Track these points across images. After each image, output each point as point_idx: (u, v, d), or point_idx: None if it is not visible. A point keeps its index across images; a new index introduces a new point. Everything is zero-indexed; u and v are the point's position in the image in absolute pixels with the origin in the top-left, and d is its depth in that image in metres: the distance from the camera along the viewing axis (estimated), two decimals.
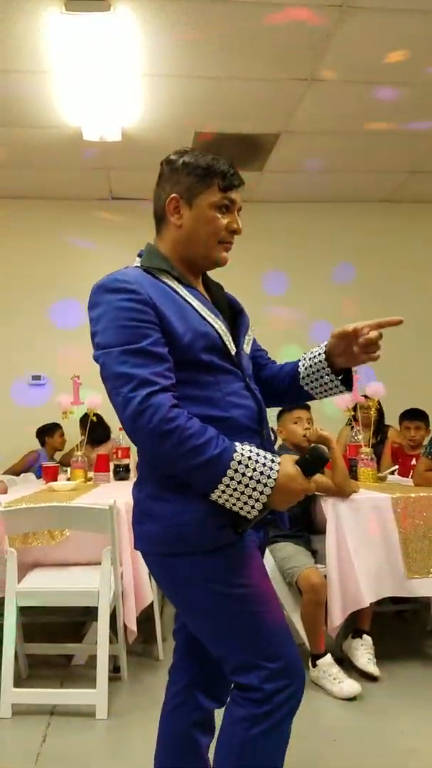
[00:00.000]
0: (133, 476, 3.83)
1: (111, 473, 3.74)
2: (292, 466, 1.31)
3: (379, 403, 3.65)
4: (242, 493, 1.27)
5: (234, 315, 1.55)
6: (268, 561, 2.83)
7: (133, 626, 2.64)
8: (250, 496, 1.27)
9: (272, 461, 1.30)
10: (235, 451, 1.28)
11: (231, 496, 1.27)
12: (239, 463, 1.27)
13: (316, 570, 2.74)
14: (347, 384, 1.55)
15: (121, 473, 3.70)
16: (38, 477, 4.10)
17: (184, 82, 3.80)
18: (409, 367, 5.14)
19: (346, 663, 2.76)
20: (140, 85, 3.82)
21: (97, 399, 3.81)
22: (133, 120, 4.21)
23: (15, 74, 3.65)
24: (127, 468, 3.72)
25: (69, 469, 3.79)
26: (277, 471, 1.29)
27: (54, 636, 3.11)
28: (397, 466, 3.79)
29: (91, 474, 3.77)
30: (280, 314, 5.41)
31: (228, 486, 1.27)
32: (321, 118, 4.24)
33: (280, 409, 3.15)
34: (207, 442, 1.26)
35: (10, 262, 5.49)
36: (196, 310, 1.41)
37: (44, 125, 4.23)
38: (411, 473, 3.39)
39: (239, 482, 1.26)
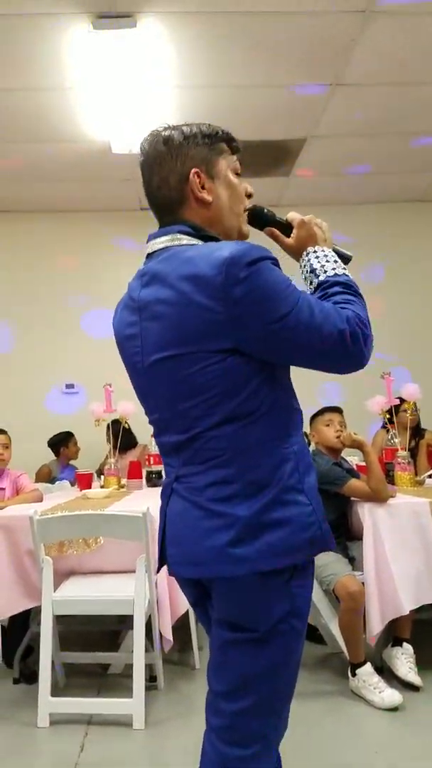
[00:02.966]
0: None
1: (144, 480, 3.74)
2: (302, 217, 1.35)
3: (415, 406, 3.58)
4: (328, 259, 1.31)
5: None
6: None
7: (168, 635, 2.62)
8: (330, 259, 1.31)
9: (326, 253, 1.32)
10: (351, 279, 1.29)
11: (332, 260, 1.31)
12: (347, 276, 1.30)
13: (353, 577, 2.69)
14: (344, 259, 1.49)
15: (154, 479, 3.69)
16: (72, 485, 4.13)
17: (209, 92, 3.82)
18: None
19: (386, 672, 2.70)
20: (167, 97, 3.85)
21: (128, 406, 3.82)
22: None
23: (45, 92, 3.71)
24: (159, 474, 3.71)
25: (102, 476, 3.80)
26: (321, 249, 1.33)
27: (90, 645, 3.11)
28: None
29: (124, 481, 3.77)
30: None
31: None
32: (347, 121, 4.22)
33: (312, 414, 3.12)
34: (363, 300, 1.26)
35: (43, 274, 5.59)
36: None
37: (74, 140, 4.29)
38: None
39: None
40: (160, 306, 1.21)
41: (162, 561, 1.30)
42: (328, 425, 3.00)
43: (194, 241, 1.25)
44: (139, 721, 2.40)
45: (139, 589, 2.49)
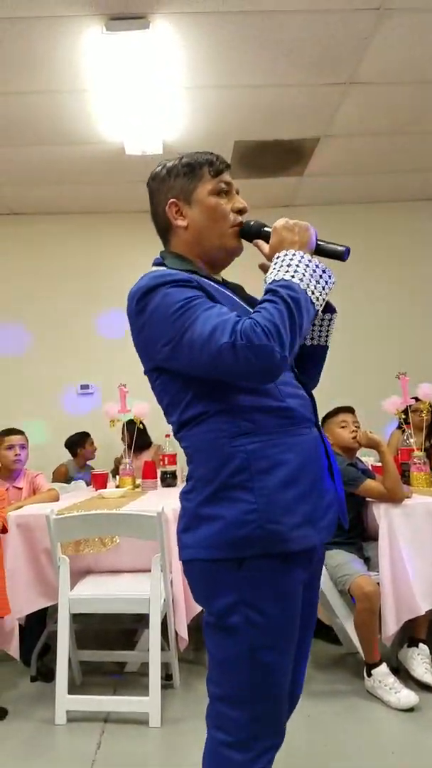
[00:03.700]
0: (181, 482, 3.87)
1: (158, 480, 3.76)
2: (277, 223, 1.36)
3: (431, 406, 3.56)
4: (311, 277, 1.27)
5: None
6: None
7: (184, 634, 2.63)
8: (314, 271, 1.28)
9: (298, 254, 1.29)
10: (294, 282, 1.24)
11: (315, 287, 1.27)
12: (300, 280, 1.25)
13: (368, 578, 2.68)
14: (330, 309, 1.49)
15: (168, 480, 3.71)
16: (88, 485, 4.15)
17: (222, 93, 3.82)
18: None
19: (401, 673, 2.69)
20: (180, 98, 3.86)
21: (143, 407, 3.84)
22: (174, 133, 4.25)
23: (58, 94, 3.74)
24: (174, 474, 3.73)
25: (117, 476, 3.83)
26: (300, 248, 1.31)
27: (106, 643, 3.13)
28: None
29: (138, 481, 3.79)
30: None
31: (314, 289, 1.27)
32: (361, 120, 4.20)
33: (322, 416, 3.12)
34: (291, 305, 1.21)
35: (58, 275, 5.64)
36: (240, 303, 1.39)
37: (87, 141, 4.31)
38: None
39: (310, 279, 1.27)
40: None
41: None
42: (343, 427, 2.99)
43: (160, 269, 1.36)
44: (155, 719, 2.42)
45: (154, 588, 2.51)
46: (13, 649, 2.70)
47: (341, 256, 1.34)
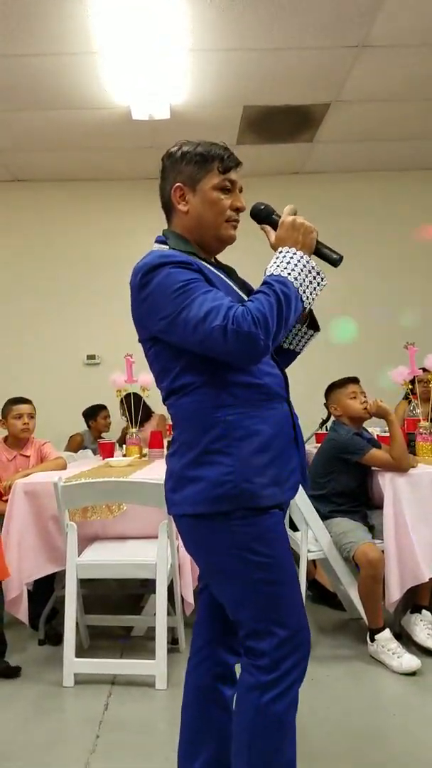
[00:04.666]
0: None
1: (165, 449, 3.78)
2: (286, 219, 1.49)
3: None
4: (305, 277, 1.44)
5: (248, 294, 1.61)
6: (325, 536, 2.81)
7: (190, 598, 2.67)
8: (306, 277, 1.44)
9: (291, 251, 1.45)
10: (289, 280, 1.41)
11: (307, 287, 1.44)
12: (295, 279, 1.41)
13: (373, 545, 2.70)
14: (315, 326, 1.67)
15: None
16: (95, 454, 4.18)
17: (231, 56, 3.73)
18: None
19: (404, 638, 2.73)
20: (187, 61, 3.77)
21: (148, 378, 3.84)
22: (182, 97, 4.17)
23: (64, 56, 3.66)
24: None
25: (124, 446, 3.85)
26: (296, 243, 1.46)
27: (113, 608, 3.18)
28: None
29: (145, 450, 3.81)
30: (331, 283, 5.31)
31: (305, 289, 1.43)
32: (372, 85, 4.10)
33: (327, 386, 3.12)
34: (282, 300, 1.37)
35: (63, 243, 5.58)
36: (233, 288, 1.53)
37: (94, 106, 4.24)
38: None
39: (304, 279, 1.43)
40: None
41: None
42: (353, 397, 2.99)
43: (163, 248, 1.50)
44: (162, 682, 2.47)
45: (161, 554, 2.54)
46: (22, 614, 2.74)
47: (334, 263, 1.50)
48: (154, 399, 4.31)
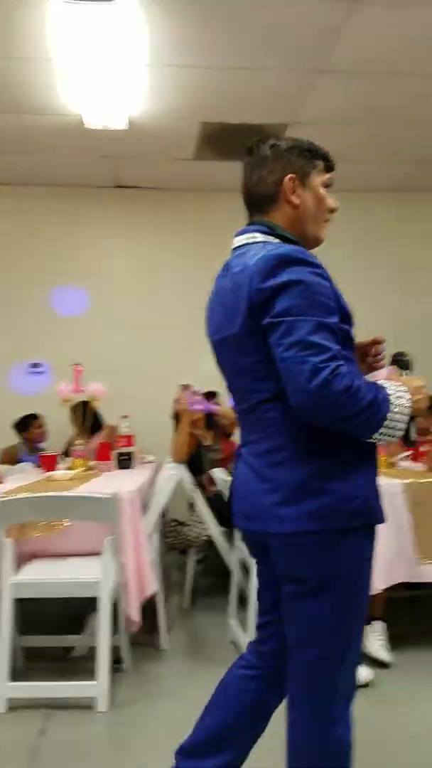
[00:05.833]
0: (139, 464, 3.75)
1: (114, 461, 3.65)
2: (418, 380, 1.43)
3: None
4: (398, 421, 1.33)
5: None
6: None
7: (135, 616, 2.56)
8: (400, 421, 1.34)
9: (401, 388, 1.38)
10: (389, 393, 1.34)
11: (388, 428, 1.32)
12: (392, 402, 1.33)
13: None
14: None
15: (125, 461, 3.60)
16: (37, 467, 4.01)
17: (188, 73, 3.70)
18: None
19: None
20: (144, 75, 3.72)
21: (99, 387, 3.72)
22: (139, 109, 4.11)
23: (17, 61, 3.55)
24: (129, 455, 3.62)
25: (68, 458, 3.71)
26: (406, 391, 1.37)
27: (54, 627, 3.04)
28: (410, 452, 3.69)
29: (91, 463, 3.68)
30: None
31: (387, 423, 1.32)
32: (329, 108, 4.13)
33: None
34: (375, 396, 1.30)
35: (11, 247, 5.40)
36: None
37: (47, 112, 4.13)
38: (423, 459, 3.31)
39: (395, 413, 1.33)
40: (223, 293, 1.45)
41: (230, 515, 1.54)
42: None
43: (269, 238, 1.43)
44: (103, 704, 2.35)
45: (106, 571, 2.43)
46: None
47: (406, 440, 1.43)
48: (105, 410, 4.25)
